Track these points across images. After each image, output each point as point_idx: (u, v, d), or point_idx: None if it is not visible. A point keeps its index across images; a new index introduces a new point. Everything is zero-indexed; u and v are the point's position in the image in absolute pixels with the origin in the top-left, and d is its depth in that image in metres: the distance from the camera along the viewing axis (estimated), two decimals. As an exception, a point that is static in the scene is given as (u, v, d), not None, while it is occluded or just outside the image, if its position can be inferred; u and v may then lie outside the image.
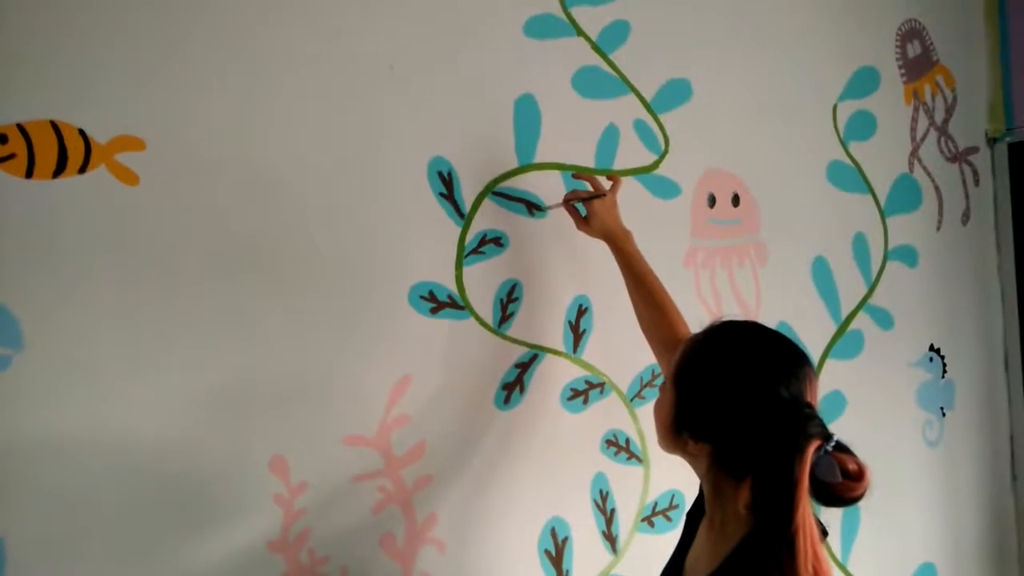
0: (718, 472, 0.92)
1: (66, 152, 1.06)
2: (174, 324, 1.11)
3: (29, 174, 1.04)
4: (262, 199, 1.17)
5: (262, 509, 1.15)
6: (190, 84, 1.13)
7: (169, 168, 1.11)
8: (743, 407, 0.88)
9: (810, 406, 0.87)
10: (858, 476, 0.83)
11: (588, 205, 1.27)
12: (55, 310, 1.04)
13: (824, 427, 0.85)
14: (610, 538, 1.41)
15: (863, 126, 1.72)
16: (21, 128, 1.04)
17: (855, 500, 0.84)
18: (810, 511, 0.82)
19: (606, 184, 1.32)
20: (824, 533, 0.88)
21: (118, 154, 1.09)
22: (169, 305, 1.11)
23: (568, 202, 1.31)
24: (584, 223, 1.29)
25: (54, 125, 1.06)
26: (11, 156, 1.03)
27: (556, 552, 1.36)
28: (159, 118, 1.11)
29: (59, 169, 1.06)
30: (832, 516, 1.59)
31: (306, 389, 1.19)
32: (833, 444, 0.84)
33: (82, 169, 1.07)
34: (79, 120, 1.07)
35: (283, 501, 1.16)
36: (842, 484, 0.83)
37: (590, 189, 1.31)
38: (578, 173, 1.35)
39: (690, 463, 0.97)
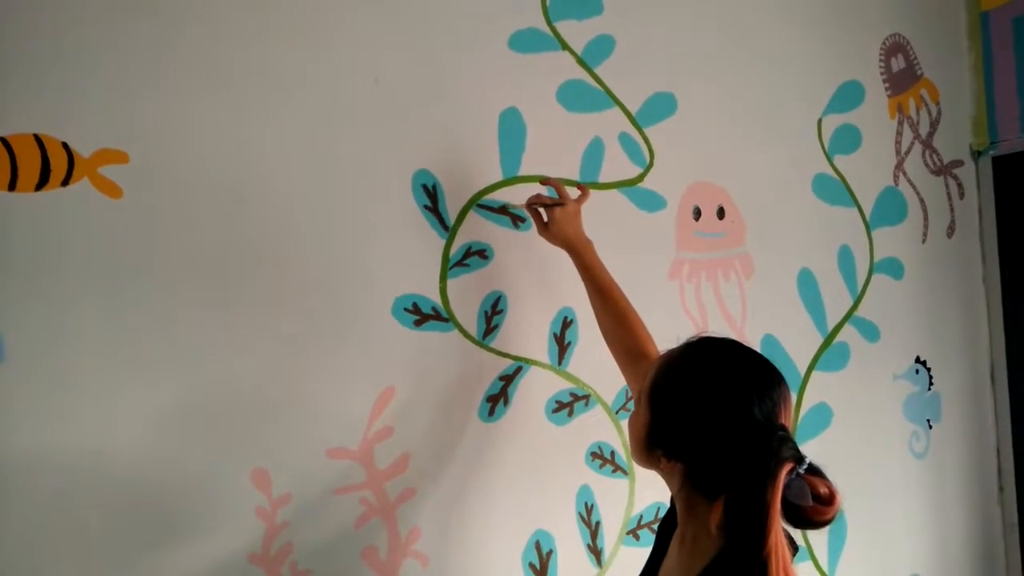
0: (691, 490, 0.92)
1: (49, 165, 1.06)
2: (156, 336, 1.11)
3: (12, 187, 1.05)
4: (246, 212, 1.18)
5: (243, 522, 1.15)
6: (174, 98, 1.13)
7: (153, 181, 1.12)
8: (716, 428, 0.88)
9: (784, 428, 0.88)
10: (828, 500, 0.84)
11: (549, 212, 1.28)
12: (37, 322, 1.04)
13: (797, 450, 0.85)
14: (595, 551, 1.41)
15: (848, 139, 1.73)
16: (3, 141, 1.04)
17: (825, 523, 0.85)
18: (781, 533, 0.82)
19: (575, 194, 1.33)
20: (795, 549, 0.88)
21: (101, 167, 1.10)
22: (151, 317, 1.11)
23: (531, 206, 1.31)
24: (545, 229, 1.30)
25: (37, 138, 1.06)
26: (-6, 169, 1.04)
27: (541, 565, 1.36)
28: (143, 132, 1.11)
29: (42, 182, 1.06)
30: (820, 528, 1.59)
31: (289, 401, 1.19)
32: (805, 467, 0.84)
33: (65, 182, 1.07)
34: (62, 133, 1.07)
35: (265, 514, 1.16)
36: (812, 508, 0.83)
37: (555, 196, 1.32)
38: (546, 180, 1.35)
39: (663, 478, 0.98)
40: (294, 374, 1.19)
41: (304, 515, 1.18)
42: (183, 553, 1.11)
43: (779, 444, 0.84)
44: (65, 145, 1.07)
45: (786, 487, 0.83)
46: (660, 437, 0.93)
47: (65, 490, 1.05)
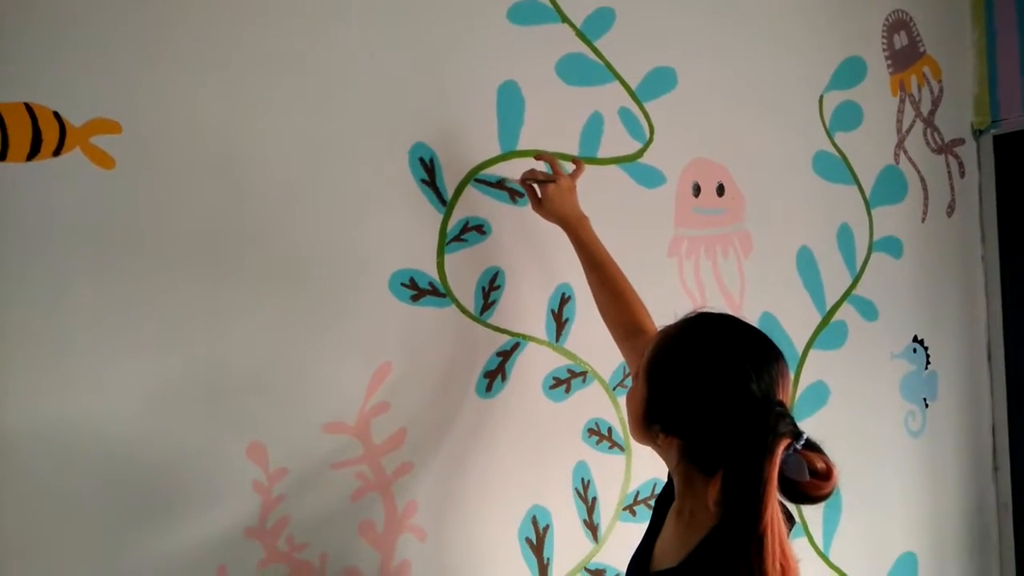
0: (688, 466, 0.92)
1: (40, 135, 1.05)
2: (150, 309, 1.10)
3: (3, 156, 1.03)
4: (241, 184, 1.16)
5: (240, 496, 1.15)
6: (167, 68, 1.12)
7: (146, 152, 1.10)
8: (714, 404, 0.87)
9: (781, 404, 0.87)
10: (826, 475, 0.84)
11: (543, 187, 1.27)
12: (29, 294, 1.03)
13: (794, 425, 0.85)
14: (591, 527, 1.41)
15: (849, 117, 1.72)
16: (-6, 109, 1.03)
17: (822, 498, 0.85)
18: (778, 508, 0.82)
19: (570, 169, 1.31)
20: (791, 522, 0.88)
21: (93, 137, 1.08)
22: (146, 290, 1.10)
23: (525, 181, 1.30)
24: (539, 205, 1.28)
25: (28, 107, 1.04)
26: (-16, 138, 1.02)
27: (537, 540, 1.36)
28: (136, 101, 1.10)
29: (33, 152, 1.05)
30: (814, 506, 1.60)
31: (285, 375, 1.18)
32: (802, 442, 0.84)
33: (57, 152, 1.06)
34: (54, 102, 1.05)
35: (261, 488, 1.16)
36: (809, 483, 0.83)
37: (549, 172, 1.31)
38: (540, 155, 1.34)
39: (660, 455, 0.97)
40: (291, 348, 1.18)
41: (301, 489, 1.18)
42: (180, 527, 1.11)
43: (776, 419, 0.84)
44: (57, 114, 1.06)
45: (783, 462, 0.82)
46: (658, 413, 0.92)
47: (60, 465, 1.04)
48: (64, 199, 1.05)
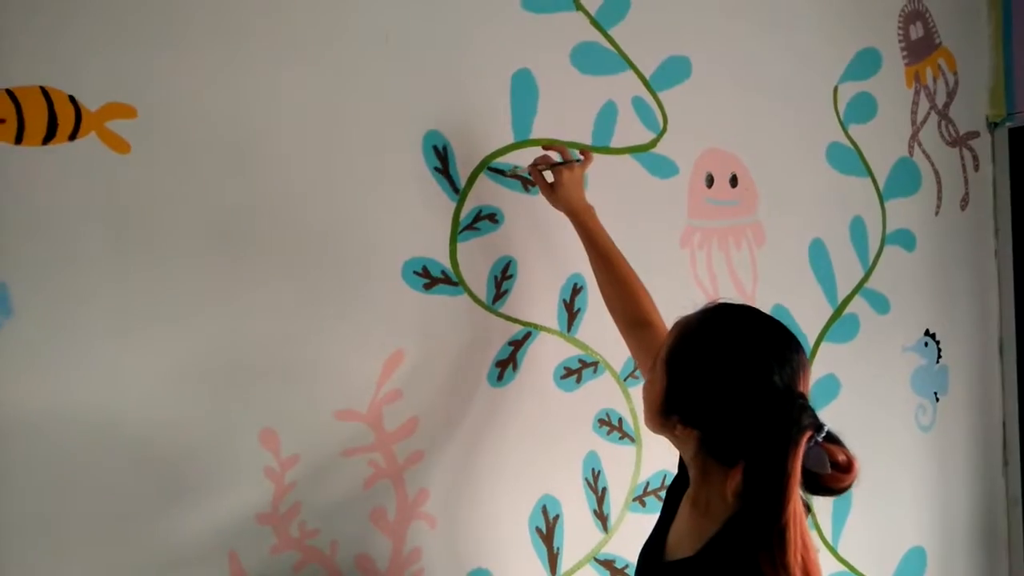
0: (706, 457, 0.91)
1: (56, 119, 1.05)
2: (164, 294, 1.10)
3: (19, 140, 1.03)
4: (255, 170, 1.16)
5: (252, 482, 1.15)
6: (182, 52, 1.11)
7: (160, 137, 1.10)
8: (736, 395, 0.87)
9: (803, 396, 0.87)
10: (847, 467, 0.84)
11: (556, 174, 1.26)
12: (44, 278, 1.04)
13: (816, 418, 0.85)
14: (601, 516, 1.41)
15: (863, 108, 1.70)
16: (11, 93, 1.02)
17: (843, 491, 0.85)
18: (800, 501, 0.82)
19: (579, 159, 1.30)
20: (808, 509, 0.88)
21: (109, 121, 1.08)
22: (159, 275, 1.10)
23: (536, 168, 1.29)
24: (550, 192, 1.28)
25: (44, 91, 1.04)
26: (0, 122, 1.02)
27: (547, 529, 1.36)
28: (150, 86, 1.09)
29: (49, 136, 1.04)
30: (824, 499, 1.59)
31: (297, 363, 1.18)
32: (824, 435, 0.84)
33: (72, 136, 1.06)
34: (69, 86, 1.05)
35: (273, 474, 1.16)
36: (831, 475, 0.84)
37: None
38: (550, 145, 1.33)
39: (676, 445, 0.97)
40: (303, 335, 1.18)
41: (313, 476, 1.18)
42: (193, 512, 1.11)
43: (799, 412, 0.84)
44: (72, 98, 1.06)
45: (804, 455, 0.82)
46: (676, 404, 0.92)
47: (73, 448, 1.05)
48: (80, 183, 1.05)
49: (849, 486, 0.85)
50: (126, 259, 1.08)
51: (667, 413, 0.93)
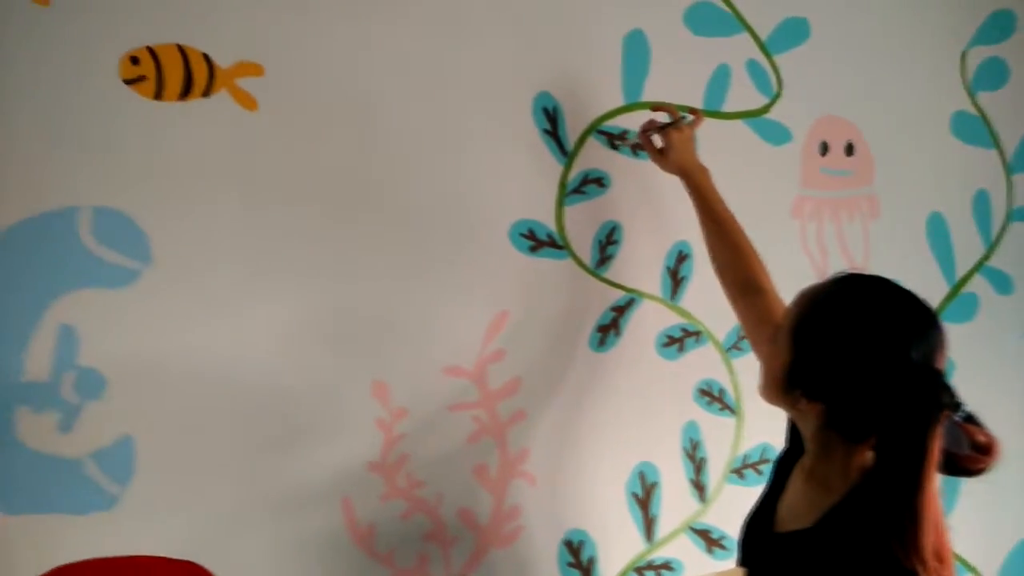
0: (829, 432, 0.88)
1: (191, 75, 1.09)
2: (286, 249, 1.14)
3: (158, 96, 1.08)
4: (371, 130, 1.18)
5: (364, 432, 1.19)
6: (306, 11, 1.14)
7: (284, 95, 1.14)
8: (870, 370, 0.83)
9: (941, 373, 0.83)
10: (987, 449, 0.81)
11: (666, 137, 1.23)
12: (179, 228, 1.09)
13: (956, 396, 0.81)
14: (699, 487, 1.40)
15: (994, 75, 1.60)
16: (151, 51, 1.08)
17: (980, 473, 0.82)
18: (937, 482, 0.79)
19: (689, 119, 1.27)
20: None
21: (239, 79, 1.12)
22: (283, 231, 1.14)
23: (645, 132, 1.26)
24: (660, 156, 1.25)
25: (180, 48, 1.09)
26: (142, 78, 1.07)
27: (644, 496, 1.36)
28: (277, 44, 1.13)
29: (185, 92, 1.09)
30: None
31: (408, 319, 1.21)
32: (963, 414, 0.80)
33: (206, 92, 1.10)
34: (202, 44, 1.10)
35: (384, 425, 1.20)
36: (969, 456, 0.80)
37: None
38: (658, 106, 1.30)
39: (795, 418, 0.94)
40: (414, 293, 1.21)
41: (420, 428, 1.22)
42: (309, 457, 1.16)
43: (939, 389, 0.80)
44: (206, 56, 1.10)
45: (942, 434, 0.79)
46: (802, 377, 0.88)
47: (202, 391, 1.11)
48: (213, 138, 1.10)
49: (988, 468, 0.81)
50: (253, 215, 1.12)
51: (790, 386, 0.89)
